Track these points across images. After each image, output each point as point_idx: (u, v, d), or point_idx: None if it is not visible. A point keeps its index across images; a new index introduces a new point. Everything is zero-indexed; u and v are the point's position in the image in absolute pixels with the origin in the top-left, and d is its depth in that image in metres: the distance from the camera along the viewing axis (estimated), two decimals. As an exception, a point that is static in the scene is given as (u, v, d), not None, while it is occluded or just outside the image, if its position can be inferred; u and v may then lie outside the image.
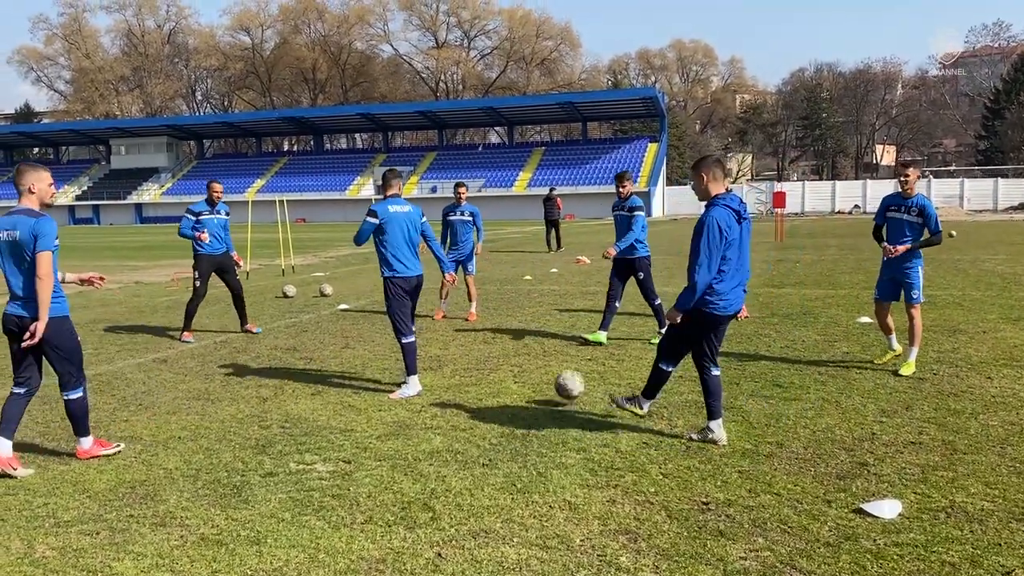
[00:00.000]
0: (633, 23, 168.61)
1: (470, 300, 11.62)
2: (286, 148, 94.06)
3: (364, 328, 10.64)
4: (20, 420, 5.28)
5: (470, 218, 11.55)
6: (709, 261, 5.13)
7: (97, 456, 5.38)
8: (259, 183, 74.05)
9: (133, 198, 76.52)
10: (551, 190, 26.84)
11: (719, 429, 5.43)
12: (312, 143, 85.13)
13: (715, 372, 5.51)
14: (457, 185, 11.93)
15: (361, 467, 5.10)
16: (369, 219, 7.02)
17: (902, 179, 7.44)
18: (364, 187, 69.76)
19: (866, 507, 4.22)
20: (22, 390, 5.24)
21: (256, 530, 4.16)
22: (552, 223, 25.46)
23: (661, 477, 4.83)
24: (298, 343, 9.62)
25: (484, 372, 7.80)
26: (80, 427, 5.38)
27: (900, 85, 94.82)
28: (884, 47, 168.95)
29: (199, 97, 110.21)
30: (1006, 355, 8.00)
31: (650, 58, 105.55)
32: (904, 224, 7.46)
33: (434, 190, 66.69)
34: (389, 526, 4.18)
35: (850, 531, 4.02)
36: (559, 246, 25.26)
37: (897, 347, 7.77)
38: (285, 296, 14.04)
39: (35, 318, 5.01)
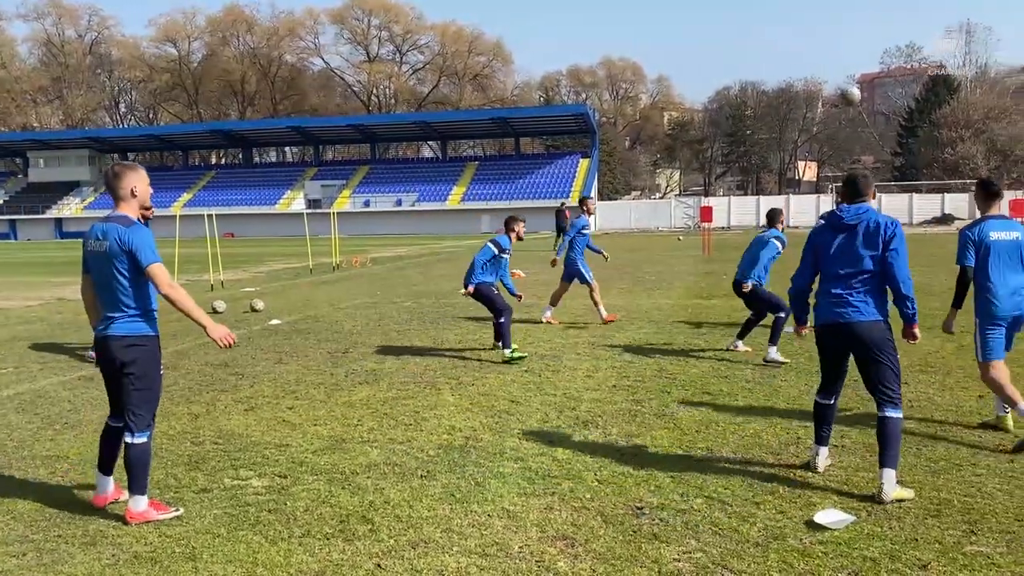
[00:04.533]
0: (564, 41, 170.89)
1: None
2: (214, 161, 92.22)
3: (297, 343, 10.53)
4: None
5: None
6: None
7: (150, 521, 4.41)
8: (186, 197, 72.38)
9: (53, 212, 73.95)
10: (562, 203, 33.08)
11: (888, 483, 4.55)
12: (241, 156, 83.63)
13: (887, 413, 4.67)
14: (583, 200, 12.31)
15: (297, 481, 5.07)
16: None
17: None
18: (295, 201, 68.82)
19: (817, 518, 4.29)
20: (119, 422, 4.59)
21: (191, 546, 4.11)
22: (562, 230, 29.06)
23: (597, 484, 4.93)
24: (229, 359, 9.47)
25: (421, 385, 7.82)
26: (138, 481, 4.42)
27: (820, 103, 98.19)
28: (805, 67, 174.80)
29: (123, 109, 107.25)
30: (921, 362, 8.37)
31: (581, 75, 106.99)
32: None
33: (367, 204, 66.21)
34: (327, 539, 4.18)
35: (778, 531, 4.18)
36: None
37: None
38: (215, 312, 13.78)
39: (123, 337, 4.41)
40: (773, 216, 9.31)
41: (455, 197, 66.96)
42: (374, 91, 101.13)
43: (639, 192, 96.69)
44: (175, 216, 22.42)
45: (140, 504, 4.44)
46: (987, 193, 5.81)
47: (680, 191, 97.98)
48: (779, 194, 78.61)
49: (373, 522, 4.38)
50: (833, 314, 4.77)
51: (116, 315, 4.45)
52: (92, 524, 4.43)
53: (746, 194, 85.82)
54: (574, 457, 5.46)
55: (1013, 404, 5.60)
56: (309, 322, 12.46)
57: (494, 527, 4.29)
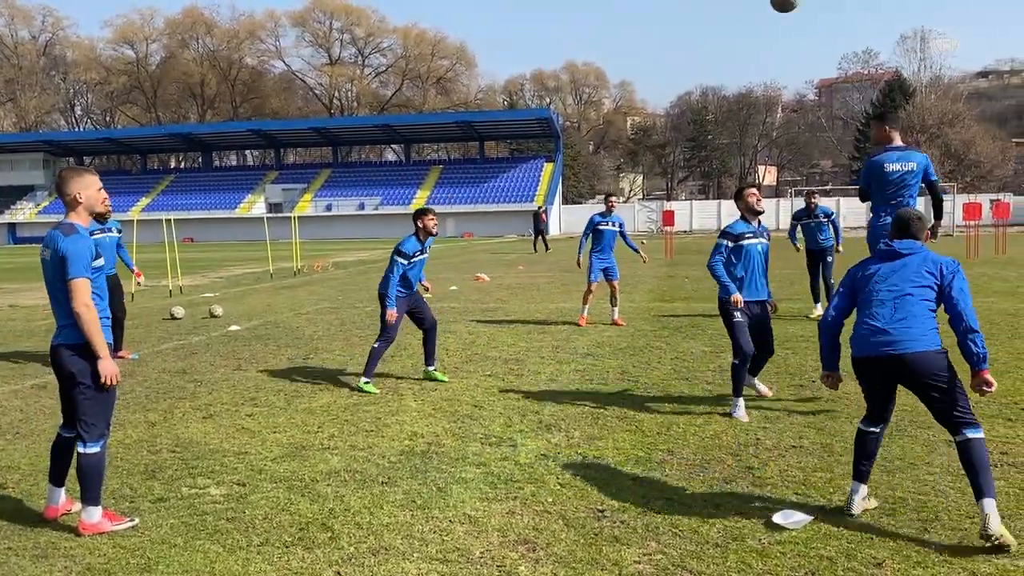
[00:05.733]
0: (527, 45, 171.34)
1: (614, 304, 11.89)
2: (173, 165, 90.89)
3: (256, 349, 10.40)
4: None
5: (618, 228, 11.87)
6: None
7: (104, 532, 4.31)
8: (144, 201, 71.24)
9: (6, 217, 72.31)
10: (539, 208, 37.84)
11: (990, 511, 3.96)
12: (200, 160, 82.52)
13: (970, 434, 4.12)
14: (607, 196, 12.28)
15: (256, 489, 5.01)
16: None
17: None
18: (255, 205, 68.07)
19: (776, 519, 4.32)
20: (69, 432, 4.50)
21: (147, 557, 4.03)
22: (539, 232, 33.87)
23: (559, 487, 4.94)
24: (187, 366, 9.33)
25: (382, 391, 7.76)
26: (91, 492, 4.31)
27: (780, 109, 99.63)
28: (765, 72, 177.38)
29: (79, 112, 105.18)
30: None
31: (544, 80, 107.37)
32: None
33: (329, 208, 65.73)
34: (287, 547, 4.13)
35: (737, 532, 4.21)
36: (547, 248, 33.27)
37: None
38: (173, 318, 13.57)
39: (74, 346, 4.29)
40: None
41: (419, 200, 66.71)
42: (336, 94, 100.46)
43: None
44: (133, 221, 22.06)
45: (94, 516, 4.33)
46: None
47: (643, 195, 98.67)
48: (740, 198, 79.42)
49: (333, 530, 4.34)
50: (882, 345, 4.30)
51: (65, 323, 4.34)
52: (43, 536, 4.33)
53: (708, 198, 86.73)
54: (536, 461, 5.46)
55: None
56: (269, 328, 12.33)
57: (455, 533, 4.28)
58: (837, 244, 12.47)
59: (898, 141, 6.70)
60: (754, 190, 6.84)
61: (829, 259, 12.27)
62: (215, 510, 4.66)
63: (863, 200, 7.17)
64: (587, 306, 11.92)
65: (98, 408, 4.36)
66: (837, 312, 4.62)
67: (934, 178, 6.60)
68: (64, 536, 4.32)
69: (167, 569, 3.89)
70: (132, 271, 9.89)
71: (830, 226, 12.40)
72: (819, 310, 11.91)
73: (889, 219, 6.30)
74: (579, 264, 12.47)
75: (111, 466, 5.54)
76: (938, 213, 6.81)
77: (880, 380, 4.40)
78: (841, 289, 4.64)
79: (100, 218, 9.60)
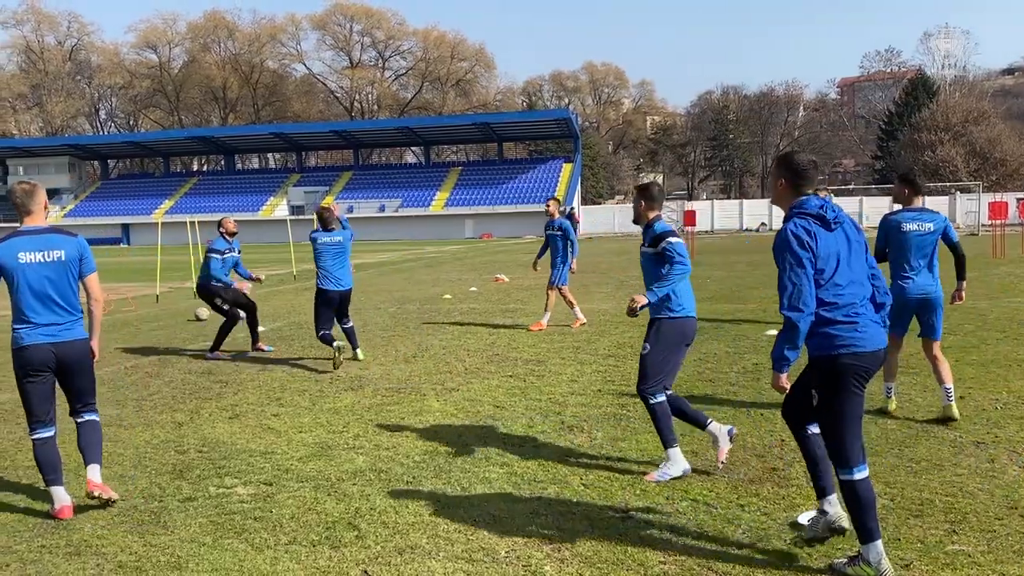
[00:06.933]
0: (546, 46, 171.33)
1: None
2: (195, 168, 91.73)
3: (281, 350, 10.49)
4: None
5: (559, 232, 11.81)
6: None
7: (103, 488, 4.73)
8: (167, 204, 72.02)
9: (32, 220, 73.20)
10: (570, 208, 36.87)
11: (833, 508, 3.97)
12: (223, 163, 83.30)
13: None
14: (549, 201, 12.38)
15: (283, 489, 5.06)
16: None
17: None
18: (277, 207, 68.58)
19: (801, 519, 4.29)
20: (52, 431, 4.83)
21: (176, 555, 4.09)
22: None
23: (583, 488, 4.95)
24: (213, 366, 9.43)
25: (406, 391, 7.81)
26: (98, 452, 4.87)
27: (802, 107, 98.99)
28: (786, 71, 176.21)
29: (103, 116, 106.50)
30: (902, 363, 8.43)
31: (563, 80, 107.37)
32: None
33: (350, 210, 66.08)
34: (314, 546, 4.17)
35: (762, 533, 4.21)
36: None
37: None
38: (198, 319, 13.71)
39: (80, 342, 4.81)
40: None
41: (438, 202, 66.95)
42: (356, 97, 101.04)
43: (622, 196, 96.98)
44: (157, 223, 22.30)
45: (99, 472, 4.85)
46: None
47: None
48: (761, 197, 79.12)
49: (359, 528, 4.38)
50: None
51: (77, 318, 4.91)
52: (76, 534, 4.40)
53: (729, 197, 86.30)
54: (560, 462, 5.47)
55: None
56: (293, 328, 12.42)
57: (480, 532, 4.30)
58: None
59: (918, 203, 6.55)
60: None
61: None
62: (243, 509, 4.71)
63: (880, 262, 6.81)
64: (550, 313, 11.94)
65: (94, 382, 5.02)
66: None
67: (955, 239, 6.46)
68: (96, 534, 4.39)
69: (197, 567, 3.94)
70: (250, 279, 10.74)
71: None
72: None
73: (910, 282, 6.29)
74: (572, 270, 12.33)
75: (140, 465, 5.62)
76: (960, 273, 6.59)
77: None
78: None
79: (232, 236, 10.41)
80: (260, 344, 10.52)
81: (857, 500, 3.63)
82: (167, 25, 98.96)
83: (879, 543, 3.61)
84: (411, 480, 5.17)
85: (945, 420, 6.17)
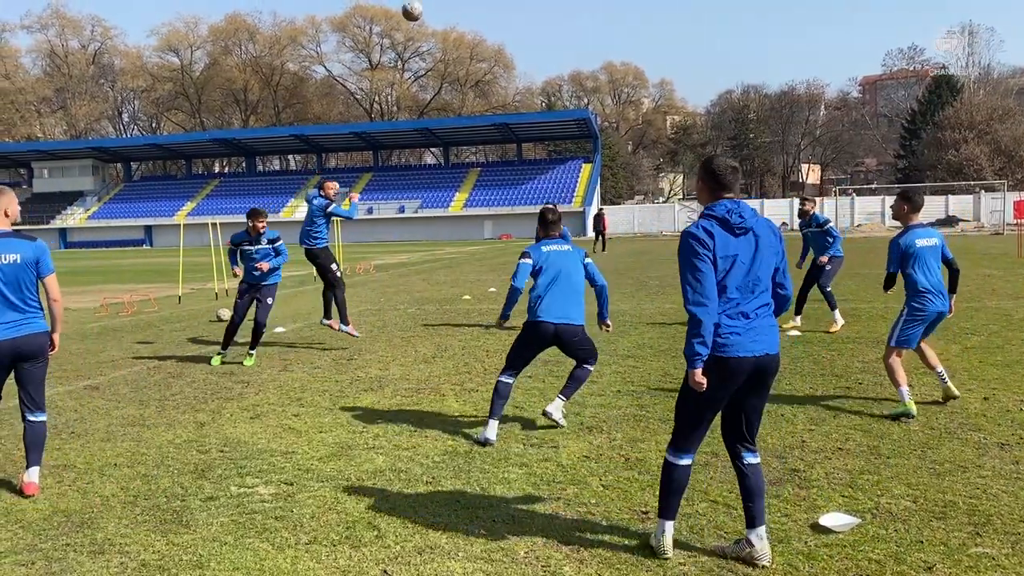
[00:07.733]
0: (565, 46, 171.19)
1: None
2: (217, 170, 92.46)
3: (301, 350, 10.55)
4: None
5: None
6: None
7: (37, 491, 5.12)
8: (189, 206, 72.62)
9: (57, 222, 74.19)
10: (600, 210, 40.31)
11: (760, 542, 3.88)
12: (244, 165, 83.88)
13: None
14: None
15: (304, 488, 5.09)
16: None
17: None
18: (298, 209, 68.96)
19: (822, 521, 4.28)
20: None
21: (198, 554, 4.13)
22: (599, 233, 35.81)
23: (602, 489, 4.94)
24: (235, 367, 9.50)
25: (425, 392, 7.84)
26: (38, 455, 5.20)
27: (823, 106, 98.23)
28: (807, 70, 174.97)
29: (126, 119, 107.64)
30: (923, 368, 8.35)
31: (582, 80, 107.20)
32: None
33: (370, 211, 66.34)
34: (334, 545, 4.19)
35: (783, 534, 4.18)
36: (604, 249, 35.10)
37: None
38: (219, 320, 13.82)
39: (40, 334, 5.11)
40: None
41: (458, 203, 67.07)
42: (376, 98, 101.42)
43: (642, 196, 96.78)
44: (179, 225, 22.51)
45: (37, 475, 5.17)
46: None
47: (683, 195, 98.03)
48: (783, 197, 78.62)
49: (379, 528, 4.40)
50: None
51: (38, 313, 5.22)
52: (100, 532, 4.46)
53: (750, 197, 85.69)
54: (579, 463, 5.47)
55: (898, 386, 6.44)
56: (314, 329, 12.50)
57: (499, 532, 4.31)
58: (824, 254, 11.29)
59: (916, 220, 6.69)
60: None
61: (827, 268, 11.31)
62: (264, 509, 4.75)
63: (888, 287, 6.96)
64: None
65: (43, 380, 5.25)
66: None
67: (950, 256, 6.79)
68: (120, 533, 4.44)
69: (219, 566, 3.98)
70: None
71: (826, 236, 11.39)
72: (797, 321, 11.24)
73: (935, 299, 6.56)
74: None
75: (162, 464, 5.68)
76: (953, 287, 6.80)
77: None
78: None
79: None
80: (350, 328, 10.81)
81: (669, 481, 3.98)
82: (188, 28, 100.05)
83: (672, 524, 3.97)
84: (431, 480, 5.19)
85: (947, 399, 6.73)
